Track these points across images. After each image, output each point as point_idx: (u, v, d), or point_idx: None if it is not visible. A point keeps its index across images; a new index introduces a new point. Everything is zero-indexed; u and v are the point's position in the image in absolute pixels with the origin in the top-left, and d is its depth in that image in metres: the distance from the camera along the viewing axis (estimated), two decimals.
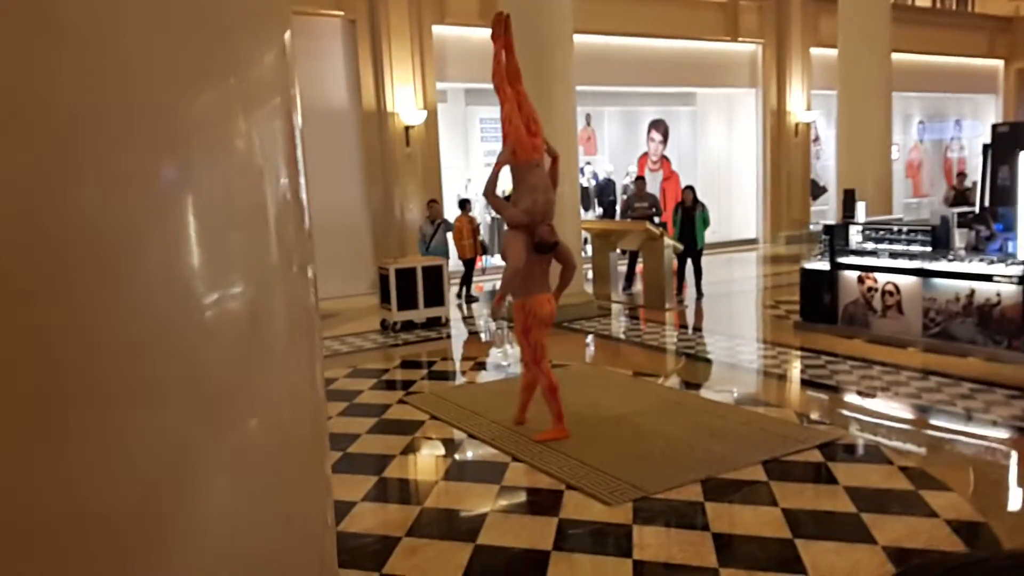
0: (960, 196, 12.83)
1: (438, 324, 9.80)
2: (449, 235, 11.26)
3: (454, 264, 11.27)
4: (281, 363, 1.27)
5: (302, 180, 1.37)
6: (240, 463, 1.19)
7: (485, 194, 5.50)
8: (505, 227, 5.75)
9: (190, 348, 1.11)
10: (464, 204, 11.61)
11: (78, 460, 1.01)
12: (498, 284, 5.69)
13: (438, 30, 12.83)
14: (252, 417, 1.22)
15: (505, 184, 6.54)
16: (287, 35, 1.35)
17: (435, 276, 9.77)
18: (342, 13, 12.21)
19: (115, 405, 1.04)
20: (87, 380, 1.02)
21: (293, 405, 1.31)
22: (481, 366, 8.13)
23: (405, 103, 12.48)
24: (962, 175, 14.01)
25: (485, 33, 6.22)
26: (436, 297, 9.79)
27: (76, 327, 1.01)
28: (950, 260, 7.66)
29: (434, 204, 11.42)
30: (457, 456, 5.44)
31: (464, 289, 11.67)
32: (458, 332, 9.76)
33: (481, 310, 11.05)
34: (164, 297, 1.08)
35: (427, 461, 5.46)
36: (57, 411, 1.00)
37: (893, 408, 6.12)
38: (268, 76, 1.28)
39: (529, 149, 5.35)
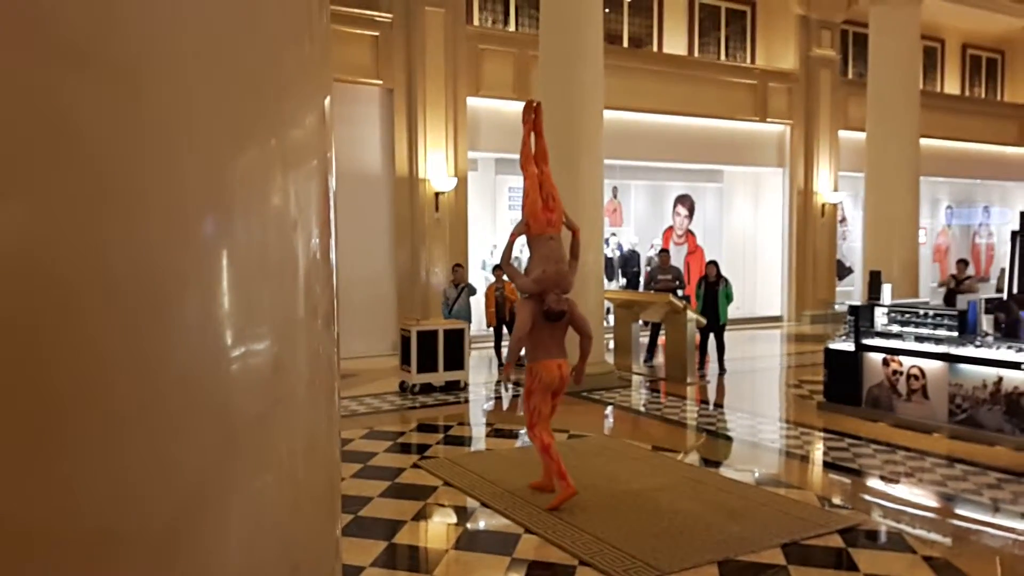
0: (960, 284, 12.25)
1: (457, 388, 9.79)
2: (473, 299, 11.30)
3: (475, 329, 11.27)
4: (300, 413, 1.30)
5: (333, 240, 1.42)
6: (253, 506, 1.21)
7: (501, 263, 6.07)
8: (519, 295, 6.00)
9: (217, 388, 1.16)
10: (496, 269, 11.63)
11: (127, 473, 1.08)
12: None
13: (472, 102, 13.17)
14: (268, 462, 1.24)
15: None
16: (327, 100, 1.41)
17: (456, 340, 9.78)
18: (381, 82, 12.60)
19: (155, 428, 1.10)
20: (137, 402, 1.09)
21: (309, 456, 1.33)
22: (497, 432, 8.08)
23: (436, 170, 12.74)
24: (963, 262, 13.19)
25: (517, 106, 6.45)
26: (456, 361, 9.79)
27: (127, 356, 1.08)
28: (977, 346, 7.57)
29: (459, 268, 11.52)
30: (469, 525, 5.37)
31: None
32: (476, 397, 9.73)
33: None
34: (199, 338, 1.13)
35: (438, 528, 5.39)
36: (102, 422, 1.07)
37: (917, 495, 5.97)
38: (307, 139, 1.33)
39: (543, 223, 5.68)
